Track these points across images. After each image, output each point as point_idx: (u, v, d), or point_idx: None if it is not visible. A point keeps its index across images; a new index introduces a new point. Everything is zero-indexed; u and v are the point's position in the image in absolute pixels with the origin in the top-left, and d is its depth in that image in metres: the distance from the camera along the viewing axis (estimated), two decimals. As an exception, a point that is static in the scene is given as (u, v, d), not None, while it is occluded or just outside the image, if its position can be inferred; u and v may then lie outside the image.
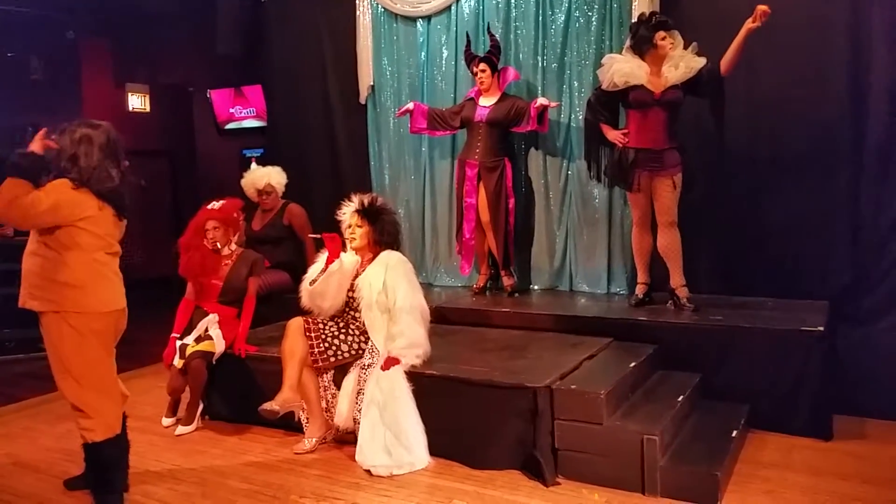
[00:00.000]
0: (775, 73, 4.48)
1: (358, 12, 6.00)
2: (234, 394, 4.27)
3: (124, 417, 3.15)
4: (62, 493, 3.36)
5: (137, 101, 9.51)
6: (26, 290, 2.99)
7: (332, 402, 3.82)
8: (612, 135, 4.45)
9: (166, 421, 4.24)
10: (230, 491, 3.34)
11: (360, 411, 3.59)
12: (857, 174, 4.38)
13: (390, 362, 3.61)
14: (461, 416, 3.55)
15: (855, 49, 4.34)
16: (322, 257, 3.88)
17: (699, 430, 3.56)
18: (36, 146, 2.93)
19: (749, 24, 4.00)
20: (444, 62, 5.69)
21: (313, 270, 3.91)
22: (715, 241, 4.72)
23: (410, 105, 5.36)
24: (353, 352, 3.82)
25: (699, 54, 4.24)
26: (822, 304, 4.25)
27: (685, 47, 4.28)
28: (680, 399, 3.60)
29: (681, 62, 4.22)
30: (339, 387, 3.79)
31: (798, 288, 4.46)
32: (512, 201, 5.13)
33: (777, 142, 4.52)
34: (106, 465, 3.08)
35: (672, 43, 4.24)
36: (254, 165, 5.89)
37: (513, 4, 5.37)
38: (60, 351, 2.96)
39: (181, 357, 4.13)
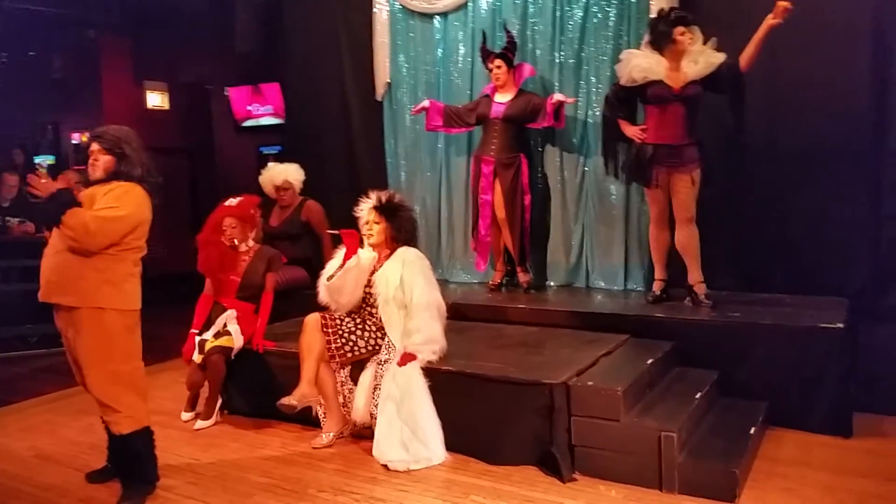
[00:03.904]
0: (795, 68, 4.43)
1: (375, 10, 6.01)
2: (253, 389, 4.30)
3: None
4: (84, 486, 3.40)
5: (156, 99, 9.61)
6: (56, 286, 2.99)
7: (349, 398, 3.84)
8: (630, 130, 4.43)
9: (185, 415, 4.28)
10: (249, 484, 3.37)
11: (376, 406, 3.61)
12: (879, 169, 4.34)
13: (406, 358, 3.62)
14: (477, 412, 3.56)
15: (877, 43, 4.29)
16: (339, 253, 3.89)
17: (717, 427, 3.54)
18: (59, 184, 2.98)
19: (770, 21, 3.96)
20: (460, 59, 5.69)
21: (331, 266, 3.93)
22: (733, 237, 4.68)
23: (426, 103, 5.35)
24: (369, 347, 3.84)
25: (718, 50, 4.21)
26: (842, 300, 4.21)
27: (704, 42, 4.25)
28: (698, 396, 3.58)
29: (700, 57, 4.20)
30: (356, 382, 3.82)
31: (817, 284, 4.41)
32: (528, 198, 5.12)
33: (797, 137, 4.47)
34: (134, 456, 3.15)
35: (691, 38, 4.21)
36: (271, 163, 5.92)
37: (530, 0, 5.36)
38: (90, 346, 2.99)
39: (200, 352, 4.17)
